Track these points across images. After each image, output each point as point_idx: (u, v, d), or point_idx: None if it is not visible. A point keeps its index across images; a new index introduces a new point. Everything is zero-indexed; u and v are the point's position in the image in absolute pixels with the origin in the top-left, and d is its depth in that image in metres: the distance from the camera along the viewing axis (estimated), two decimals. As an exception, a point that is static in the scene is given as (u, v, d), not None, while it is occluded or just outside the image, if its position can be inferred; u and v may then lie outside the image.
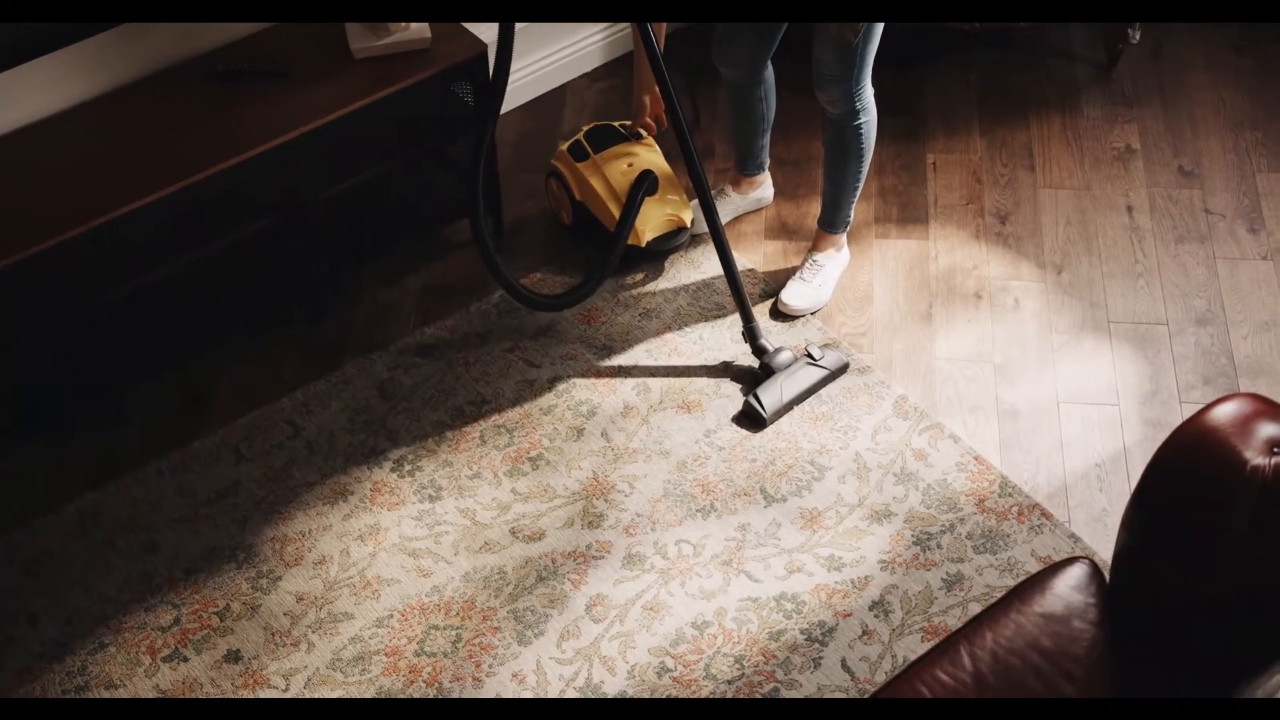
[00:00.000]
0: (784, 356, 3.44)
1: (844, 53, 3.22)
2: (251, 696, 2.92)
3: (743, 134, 3.74)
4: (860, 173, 3.52)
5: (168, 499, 3.27)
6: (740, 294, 3.44)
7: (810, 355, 3.44)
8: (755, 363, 3.48)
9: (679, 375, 3.49)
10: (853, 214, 3.63)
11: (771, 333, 3.55)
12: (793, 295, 3.62)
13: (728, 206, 3.84)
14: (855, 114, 3.37)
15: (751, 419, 3.38)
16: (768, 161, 3.85)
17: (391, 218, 3.71)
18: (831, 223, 3.64)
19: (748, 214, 3.90)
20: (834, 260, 3.68)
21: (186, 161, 3.18)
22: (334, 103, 3.32)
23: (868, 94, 3.36)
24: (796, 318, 3.61)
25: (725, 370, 3.50)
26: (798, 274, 3.65)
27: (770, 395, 3.37)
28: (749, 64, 3.52)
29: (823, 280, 3.65)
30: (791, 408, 3.40)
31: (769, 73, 3.59)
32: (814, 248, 3.69)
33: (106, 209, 3.08)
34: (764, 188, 3.89)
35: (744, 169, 3.83)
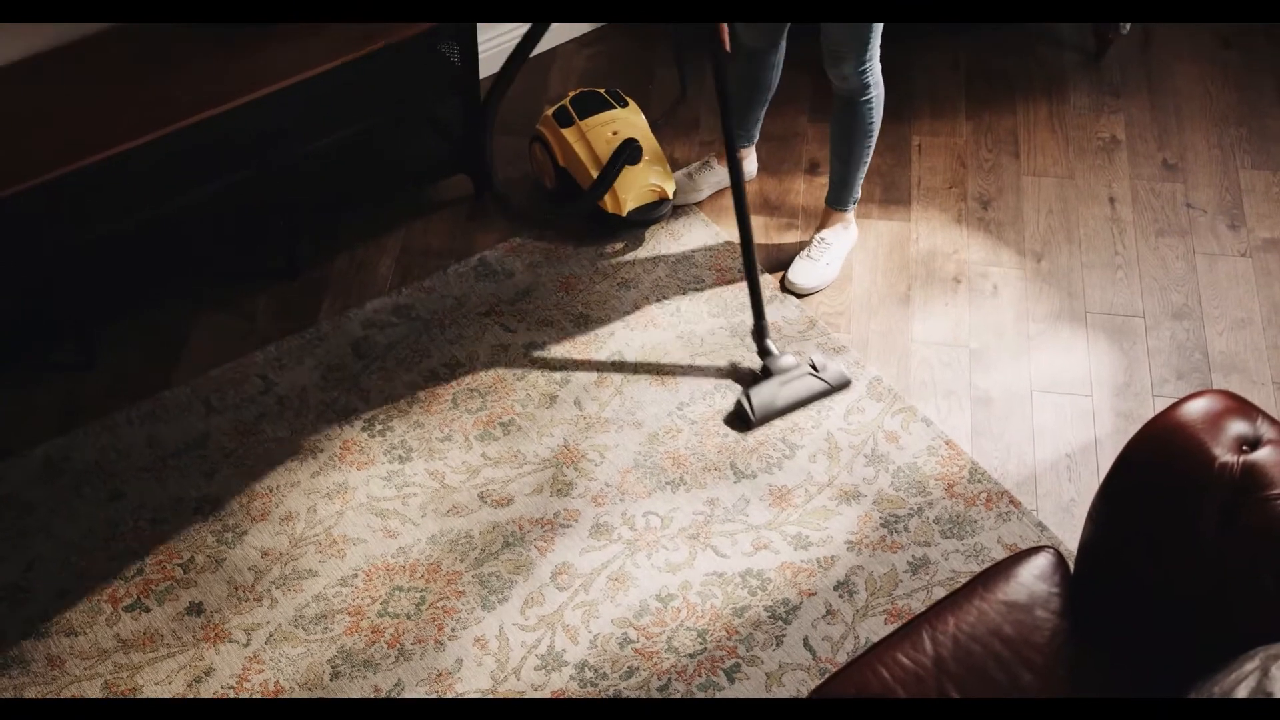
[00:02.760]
0: (786, 360, 3.38)
1: (857, 28, 3.21)
2: (213, 653, 2.91)
3: (742, 105, 3.71)
4: (868, 149, 3.51)
5: (136, 448, 3.25)
6: (757, 291, 3.37)
7: (813, 365, 3.38)
8: (729, 329, 3.46)
9: (654, 347, 3.49)
10: (859, 191, 3.62)
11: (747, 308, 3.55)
12: (800, 274, 3.61)
13: (712, 179, 3.82)
14: (865, 89, 3.37)
15: (741, 419, 3.35)
16: (757, 136, 3.84)
17: (373, 176, 3.69)
18: (840, 200, 3.63)
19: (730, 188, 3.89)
20: (842, 238, 3.67)
21: (169, 108, 3.15)
22: (320, 56, 3.29)
23: (877, 69, 3.35)
24: (803, 296, 3.60)
25: (701, 343, 3.49)
26: (805, 252, 3.64)
27: (762, 397, 3.32)
28: (773, 32, 3.50)
29: (830, 259, 3.64)
30: (783, 414, 3.36)
31: (784, 44, 3.57)
32: (821, 225, 3.68)
33: (86, 152, 3.05)
34: (748, 162, 3.88)
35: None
